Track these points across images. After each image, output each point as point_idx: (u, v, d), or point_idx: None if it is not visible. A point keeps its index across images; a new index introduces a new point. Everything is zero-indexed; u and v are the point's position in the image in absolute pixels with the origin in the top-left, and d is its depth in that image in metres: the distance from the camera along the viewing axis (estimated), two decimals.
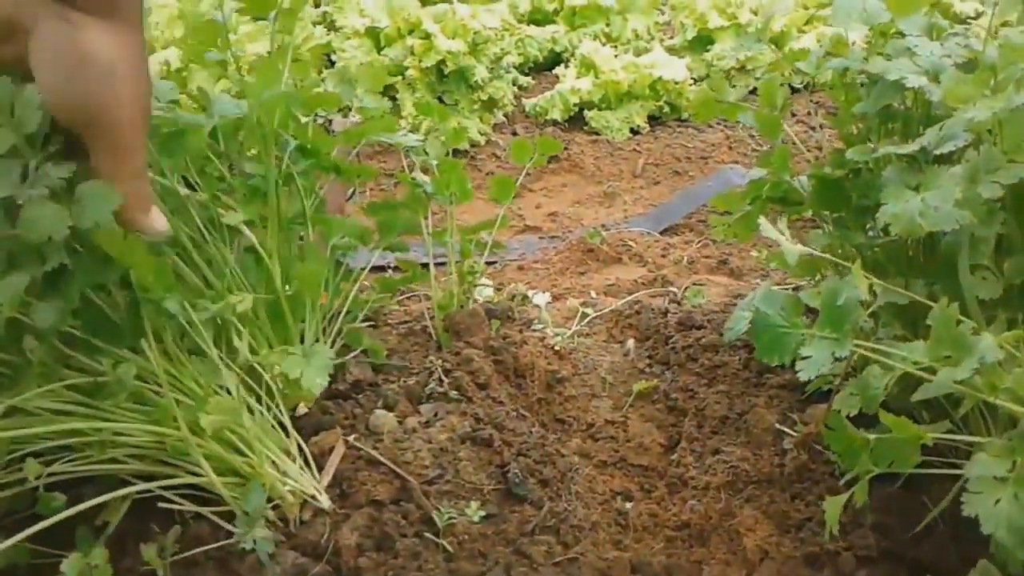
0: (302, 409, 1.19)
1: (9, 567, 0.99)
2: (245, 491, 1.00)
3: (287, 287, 1.18)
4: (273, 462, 1.03)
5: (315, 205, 1.27)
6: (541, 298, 1.89)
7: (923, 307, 1.04)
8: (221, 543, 1.00)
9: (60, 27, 0.65)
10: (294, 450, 1.07)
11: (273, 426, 1.07)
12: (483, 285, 1.82)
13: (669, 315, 1.67)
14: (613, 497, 1.28)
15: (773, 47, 1.57)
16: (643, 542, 1.20)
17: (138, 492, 1.02)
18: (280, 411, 1.09)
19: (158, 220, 0.79)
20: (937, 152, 1.06)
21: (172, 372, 0.99)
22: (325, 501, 1.05)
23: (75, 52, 0.65)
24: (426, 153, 1.44)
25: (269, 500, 1.01)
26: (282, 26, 1.32)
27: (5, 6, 0.67)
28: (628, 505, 1.26)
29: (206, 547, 1.00)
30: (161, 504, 1.02)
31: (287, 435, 1.08)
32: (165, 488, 1.02)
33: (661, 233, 2.64)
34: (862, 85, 1.33)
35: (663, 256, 2.36)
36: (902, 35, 1.25)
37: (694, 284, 1.95)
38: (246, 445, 1.01)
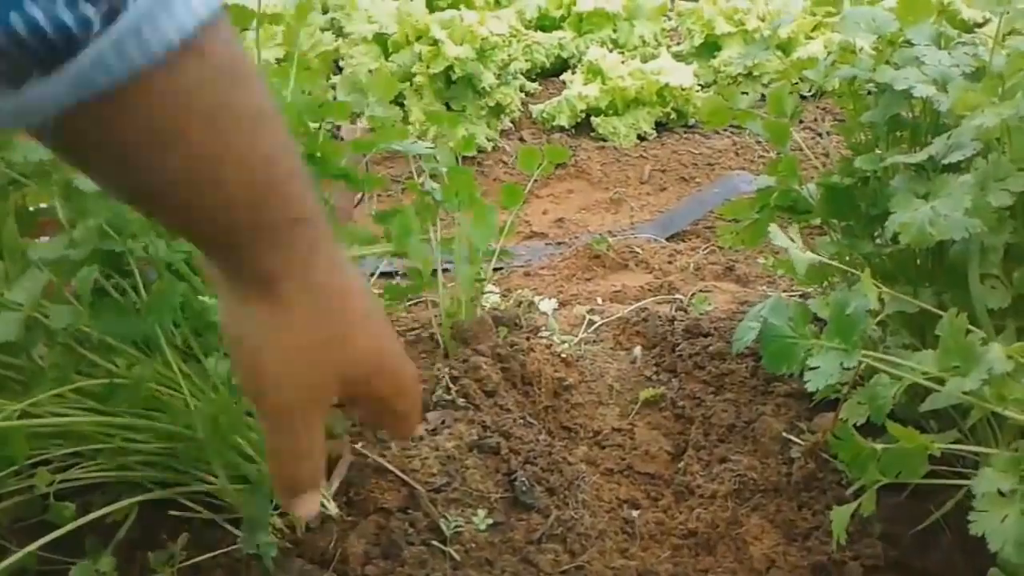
0: None
1: (18, 573, 0.99)
2: (250, 497, 1.01)
3: None
4: None
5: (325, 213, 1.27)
6: (547, 304, 1.89)
7: (931, 316, 1.04)
8: (229, 550, 1.01)
9: (225, 316, 0.67)
10: None
11: None
12: (489, 292, 1.82)
13: (676, 322, 1.66)
14: (620, 505, 1.28)
15: (780, 54, 1.57)
16: (650, 550, 1.20)
17: (146, 499, 1.02)
18: None
19: (303, 507, 0.73)
20: (945, 161, 1.06)
21: (187, 372, 0.99)
22: (333, 508, 1.05)
23: (233, 350, 0.67)
24: (436, 160, 1.44)
25: (276, 507, 1.02)
26: (285, 37, 1.33)
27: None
28: (635, 513, 1.26)
29: (214, 554, 1.01)
30: (171, 512, 1.03)
31: None
32: (175, 495, 1.02)
33: (668, 239, 2.64)
34: (869, 93, 1.33)
35: (669, 263, 2.37)
36: (910, 44, 1.25)
37: (701, 291, 1.95)
38: (255, 450, 1.01)
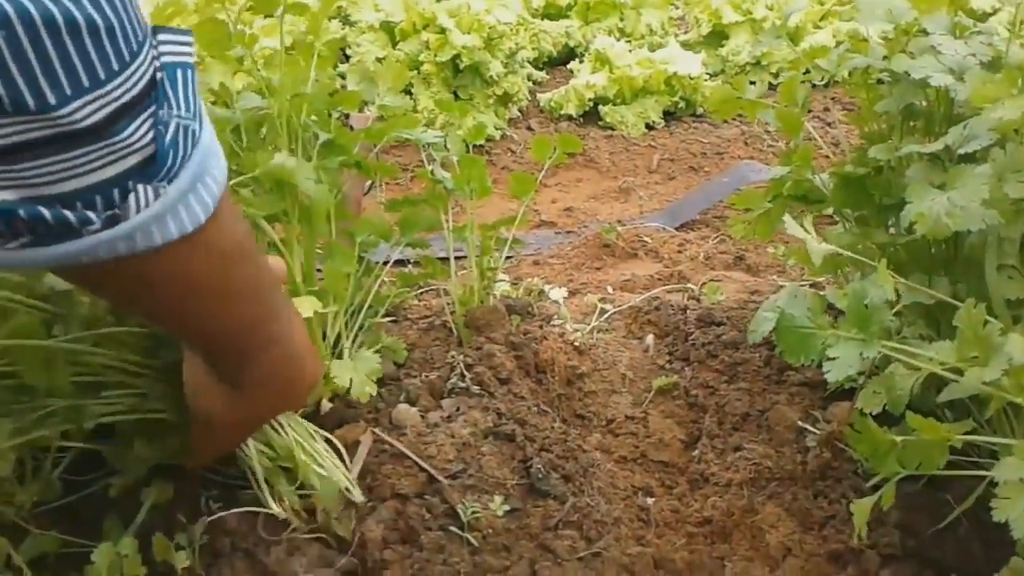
0: (326, 405, 1.19)
1: (39, 557, 1.00)
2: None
3: (312, 284, 1.19)
4: (308, 453, 1.04)
5: (338, 200, 1.28)
6: (558, 293, 1.89)
7: (947, 307, 1.05)
8: (248, 534, 1.01)
9: (188, 374, 0.89)
10: (321, 443, 1.08)
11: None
12: (500, 280, 1.82)
13: (688, 311, 1.67)
14: (635, 493, 1.28)
15: (789, 43, 1.57)
16: (665, 538, 1.21)
17: (166, 481, 1.03)
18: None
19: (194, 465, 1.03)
20: (962, 151, 1.06)
21: None
22: (358, 495, 1.06)
23: (192, 392, 0.90)
24: (446, 149, 1.44)
25: (300, 490, 1.03)
26: (310, 27, 1.33)
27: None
28: (650, 501, 1.27)
29: (232, 538, 1.01)
30: (189, 493, 1.03)
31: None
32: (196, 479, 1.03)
33: (677, 229, 2.64)
34: (881, 83, 1.33)
35: (679, 252, 2.37)
36: (925, 33, 1.24)
37: (711, 280, 1.95)
38: (281, 434, 1.02)
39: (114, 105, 0.56)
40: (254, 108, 1.22)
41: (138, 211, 0.60)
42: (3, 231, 0.57)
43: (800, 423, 1.29)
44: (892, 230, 1.27)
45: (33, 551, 0.99)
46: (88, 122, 0.55)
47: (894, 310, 1.02)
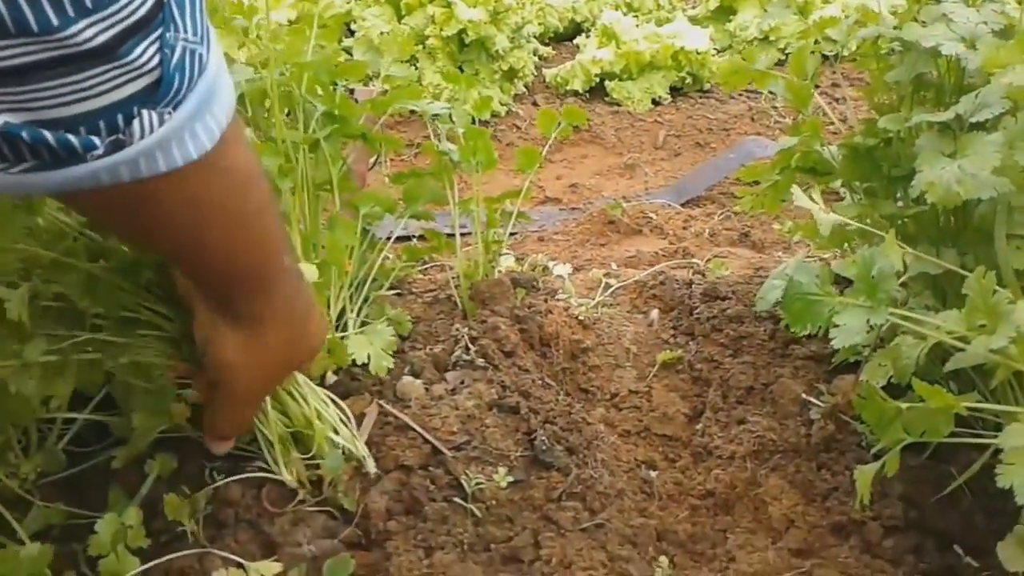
0: (331, 377, 1.19)
1: (44, 528, 1.00)
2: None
3: (314, 255, 1.18)
4: (326, 421, 1.04)
5: (342, 173, 1.27)
6: (562, 269, 1.89)
7: (954, 277, 1.04)
8: (252, 505, 1.02)
9: (201, 328, 0.88)
10: (335, 411, 1.07)
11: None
12: (504, 254, 1.81)
13: (693, 286, 1.66)
14: (638, 466, 1.28)
15: (799, 15, 1.55)
16: (668, 510, 1.21)
17: (170, 452, 1.04)
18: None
19: (221, 447, 1.01)
20: (973, 120, 1.05)
21: None
22: (371, 466, 1.06)
23: (211, 350, 0.87)
24: (452, 121, 1.43)
25: (310, 462, 1.03)
26: None
27: (180, 286, 0.90)
28: (653, 474, 1.27)
29: (236, 509, 1.01)
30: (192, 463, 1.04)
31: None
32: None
33: (682, 205, 2.63)
34: (891, 53, 1.31)
35: (684, 228, 2.36)
36: (937, 1, 1.23)
37: (716, 256, 1.94)
38: (298, 404, 1.02)
39: (120, 26, 0.55)
40: (250, 80, 1.21)
41: (142, 136, 0.60)
42: (7, 155, 0.57)
43: (804, 396, 1.28)
44: (900, 203, 1.26)
45: (37, 523, 1.00)
46: (94, 43, 0.54)
47: (900, 280, 1.01)
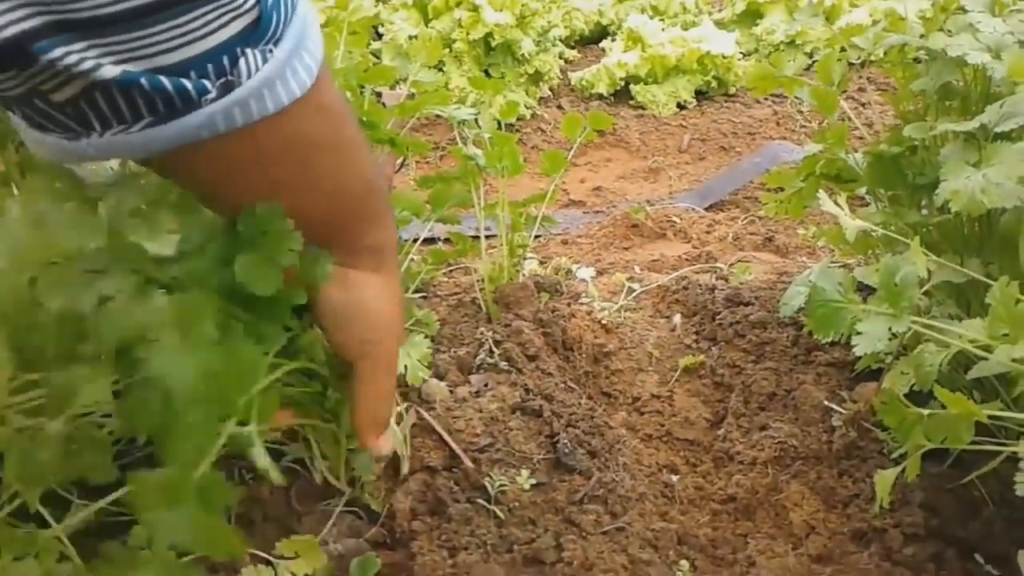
0: None
1: (82, 527, 1.02)
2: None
3: None
4: None
5: None
6: (586, 272, 1.90)
7: (978, 286, 1.04)
8: (280, 504, 1.04)
9: (339, 292, 0.80)
10: None
11: None
12: (529, 258, 1.83)
13: (716, 291, 1.67)
14: (659, 470, 1.29)
15: (825, 21, 1.55)
16: (689, 514, 1.21)
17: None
18: None
19: (385, 445, 0.93)
20: (998, 129, 1.05)
21: None
22: (406, 466, 1.08)
23: (351, 308, 0.82)
24: (479, 126, 1.45)
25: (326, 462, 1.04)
26: (337, 1, 1.34)
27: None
28: (674, 478, 1.28)
29: (265, 508, 1.04)
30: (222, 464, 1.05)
31: None
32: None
33: (706, 209, 2.63)
34: (917, 61, 1.31)
35: (708, 232, 2.36)
36: (964, 11, 1.23)
37: (740, 261, 1.94)
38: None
39: None
40: None
41: (250, 76, 0.60)
42: (125, 113, 0.57)
43: (826, 402, 1.29)
44: (925, 211, 1.26)
45: (75, 523, 1.01)
46: None
47: (923, 289, 1.02)
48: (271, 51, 0.61)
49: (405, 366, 1.17)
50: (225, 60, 0.59)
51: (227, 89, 0.59)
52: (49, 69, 0.54)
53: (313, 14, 0.66)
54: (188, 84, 0.57)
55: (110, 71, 0.55)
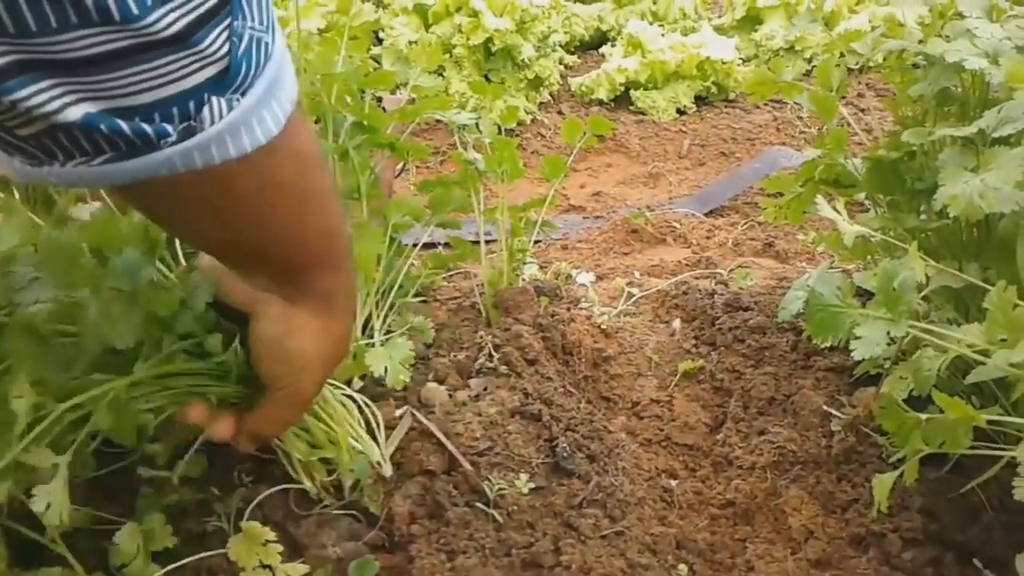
0: (357, 383, 1.21)
1: (72, 531, 1.02)
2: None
3: None
4: (351, 425, 1.06)
5: (370, 181, 1.29)
6: (585, 277, 1.91)
7: (976, 291, 1.04)
8: (279, 507, 1.04)
9: (271, 327, 0.84)
10: (357, 415, 1.09)
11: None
12: (528, 263, 1.83)
13: (716, 296, 1.67)
14: (658, 474, 1.29)
15: (824, 27, 1.55)
16: (688, 519, 1.21)
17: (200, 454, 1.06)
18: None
19: (250, 448, 0.96)
20: (996, 135, 1.06)
21: None
22: (388, 469, 1.08)
23: (276, 345, 0.85)
24: (479, 130, 1.45)
25: (328, 466, 1.04)
26: (339, 6, 1.34)
27: (239, 294, 0.85)
28: (673, 483, 1.28)
29: (265, 511, 1.03)
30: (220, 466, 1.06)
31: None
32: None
33: (706, 215, 2.63)
34: (916, 67, 1.32)
35: (708, 238, 2.36)
36: (961, 16, 1.23)
37: (739, 267, 1.95)
38: (326, 412, 1.03)
39: (194, 15, 0.57)
40: None
41: (212, 122, 0.61)
42: (87, 148, 0.59)
43: (825, 407, 1.29)
44: (923, 216, 1.26)
45: (67, 526, 1.01)
46: (169, 32, 0.55)
47: (922, 294, 1.02)
48: (238, 100, 0.62)
49: (385, 368, 1.17)
50: (191, 105, 0.60)
51: (188, 134, 0.61)
52: (13, 109, 0.55)
53: (288, 63, 0.68)
54: (148, 128, 0.59)
55: (73, 113, 0.56)
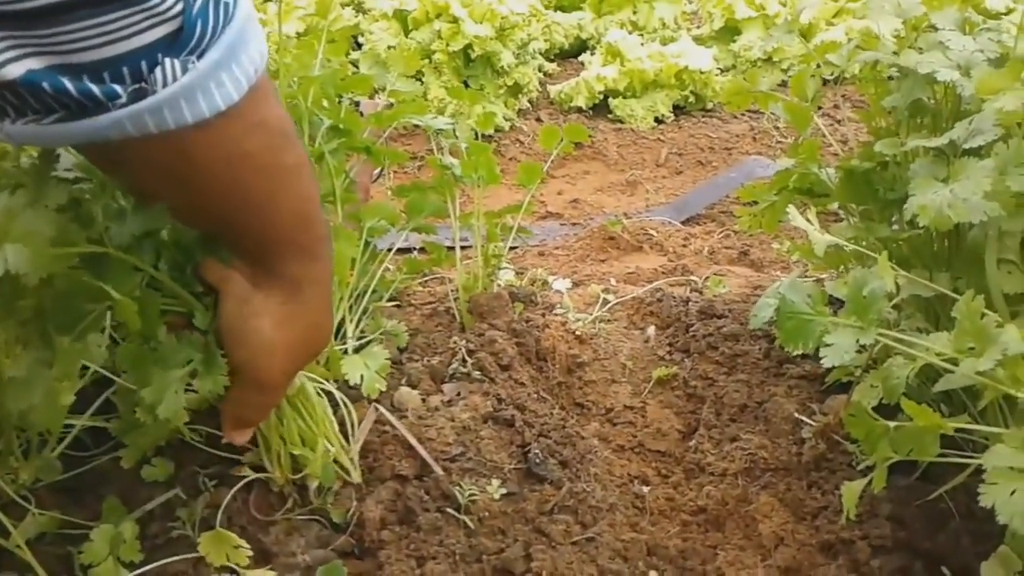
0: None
1: (37, 536, 1.00)
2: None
3: None
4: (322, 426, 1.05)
5: (345, 185, 1.29)
6: (561, 283, 1.91)
7: (946, 300, 1.05)
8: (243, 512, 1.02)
9: (235, 307, 0.82)
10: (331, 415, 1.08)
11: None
12: (504, 268, 1.83)
13: (690, 303, 1.67)
14: (630, 481, 1.29)
15: (801, 38, 1.57)
16: (659, 525, 1.22)
17: (167, 458, 1.05)
18: None
19: (242, 437, 0.95)
20: (966, 146, 1.07)
21: None
22: (356, 476, 1.07)
23: (237, 325, 0.83)
24: (456, 136, 1.45)
25: (296, 470, 1.03)
26: (318, 9, 1.34)
27: (211, 271, 0.83)
28: (645, 489, 1.28)
29: (230, 515, 1.02)
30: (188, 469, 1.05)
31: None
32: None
33: (683, 223, 2.64)
34: (890, 79, 1.33)
35: (684, 246, 2.37)
36: (934, 29, 1.25)
37: (715, 275, 1.96)
38: (309, 413, 1.02)
39: None
40: None
41: (165, 84, 0.59)
42: (35, 106, 0.57)
43: (797, 415, 1.30)
44: (895, 226, 1.27)
45: (32, 530, 0.99)
46: None
47: (892, 302, 1.03)
48: (193, 62, 0.60)
49: (361, 376, 1.16)
50: (143, 65, 0.59)
51: (139, 95, 0.59)
52: None
53: (254, 26, 0.65)
54: (95, 88, 0.57)
55: (14, 70, 0.55)
